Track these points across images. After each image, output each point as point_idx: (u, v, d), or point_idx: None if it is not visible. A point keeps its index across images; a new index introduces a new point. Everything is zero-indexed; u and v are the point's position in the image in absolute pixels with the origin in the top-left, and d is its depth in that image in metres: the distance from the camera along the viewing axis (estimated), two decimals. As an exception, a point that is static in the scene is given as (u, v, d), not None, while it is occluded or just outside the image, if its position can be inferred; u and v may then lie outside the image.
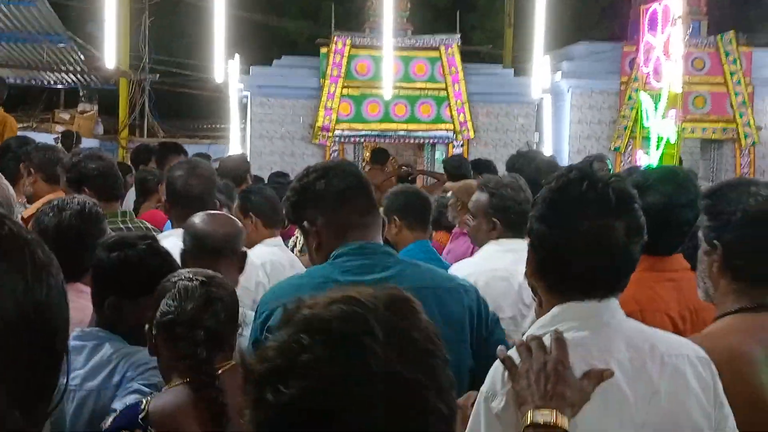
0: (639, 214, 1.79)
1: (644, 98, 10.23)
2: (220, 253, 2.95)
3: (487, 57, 17.41)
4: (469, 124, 13.04)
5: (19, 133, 7.71)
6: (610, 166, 6.19)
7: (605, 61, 13.33)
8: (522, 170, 4.31)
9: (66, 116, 16.33)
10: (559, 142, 13.46)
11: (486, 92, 13.17)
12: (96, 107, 16.73)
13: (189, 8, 16.73)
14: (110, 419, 2.17)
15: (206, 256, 2.87)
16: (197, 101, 18.09)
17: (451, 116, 13.00)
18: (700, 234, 2.21)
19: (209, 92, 16.23)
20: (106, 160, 4.14)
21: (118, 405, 2.25)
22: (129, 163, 8.69)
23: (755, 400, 1.84)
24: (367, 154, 13.13)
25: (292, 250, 5.09)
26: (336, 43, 12.75)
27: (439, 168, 11.47)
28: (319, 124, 12.79)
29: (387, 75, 12.24)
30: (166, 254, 2.60)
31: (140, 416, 2.09)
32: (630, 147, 12.56)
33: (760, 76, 13.09)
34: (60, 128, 14.75)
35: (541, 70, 12.64)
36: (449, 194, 5.18)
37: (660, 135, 9.56)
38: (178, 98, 17.73)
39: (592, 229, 1.74)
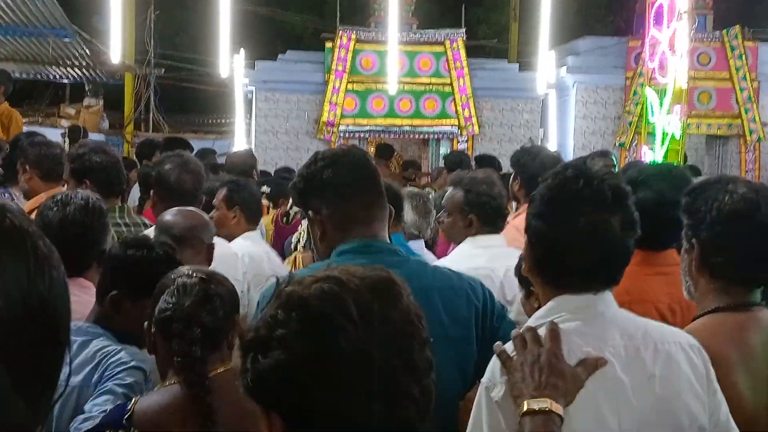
0: (633, 209, 1.84)
1: (649, 93, 10.18)
2: (183, 241, 3.09)
3: (493, 52, 17.42)
4: (474, 120, 13.04)
5: (24, 128, 7.72)
6: (614, 162, 6.16)
7: (610, 56, 13.31)
8: (527, 165, 4.27)
9: (71, 111, 16.37)
10: (564, 138, 13.45)
11: (491, 87, 13.16)
12: (101, 102, 16.75)
13: (194, 3, 16.74)
14: (80, 421, 2.15)
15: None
16: (202, 96, 18.12)
17: (456, 111, 12.99)
18: (683, 233, 2.23)
19: (214, 87, 16.26)
20: (111, 155, 4.09)
21: (88, 406, 2.23)
22: (134, 157, 8.70)
23: (729, 401, 1.85)
24: (372, 149, 13.13)
25: (296, 247, 5.11)
26: (341, 38, 12.75)
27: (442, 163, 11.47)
28: (324, 119, 12.80)
29: (392, 70, 12.24)
30: (179, 264, 2.58)
31: (126, 416, 2.08)
32: (635, 142, 12.54)
33: (766, 72, 13.06)
34: (65, 123, 14.80)
35: (547, 65, 12.63)
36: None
37: (665, 131, 9.53)
38: (183, 93, 17.75)
39: (588, 224, 1.79)
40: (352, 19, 14.32)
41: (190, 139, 9.13)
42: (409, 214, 4.28)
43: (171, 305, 2.16)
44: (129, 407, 2.11)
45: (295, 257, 5.03)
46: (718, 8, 13.71)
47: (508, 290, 3.29)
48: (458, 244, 3.67)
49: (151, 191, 3.97)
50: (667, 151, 9.49)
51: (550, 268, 1.85)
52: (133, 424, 2.07)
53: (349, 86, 12.81)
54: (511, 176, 4.38)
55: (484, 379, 1.79)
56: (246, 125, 13.61)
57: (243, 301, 3.00)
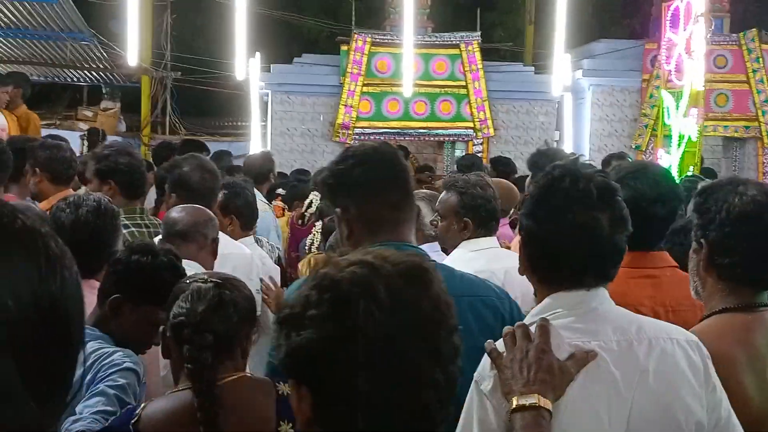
0: (621, 206, 1.87)
1: (666, 96, 10.13)
2: (187, 235, 3.24)
3: (508, 55, 17.36)
4: (489, 122, 13.01)
5: (42, 131, 7.76)
6: (630, 165, 6.13)
7: (626, 58, 13.26)
8: (544, 167, 4.25)
9: (89, 113, 16.44)
10: (580, 140, 13.40)
11: (506, 90, 13.14)
12: (118, 104, 16.82)
13: (210, 6, 16.78)
14: (70, 422, 2.13)
15: (176, 240, 3.18)
16: (218, 99, 18.15)
17: (471, 114, 12.98)
18: (692, 233, 2.24)
19: (230, 90, 16.28)
20: (136, 158, 4.15)
21: (79, 407, 2.21)
22: (150, 160, 8.74)
23: (736, 402, 1.85)
24: (387, 151, 13.11)
25: (309, 249, 5.12)
26: (356, 41, 12.77)
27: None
28: (339, 121, 12.81)
29: (407, 72, 12.24)
30: (184, 273, 2.59)
31: (132, 421, 2.07)
32: (651, 145, 12.48)
33: (783, 74, 12.98)
34: (83, 125, 14.87)
35: (562, 68, 12.59)
36: None
37: (681, 133, 9.47)
38: (199, 96, 17.79)
39: (577, 221, 1.82)
40: (368, 23, 14.34)
41: (206, 141, 9.15)
42: (428, 216, 4.26)
43: (184, 310, 2.14)
44: (137, 412, 2.09)
45: (309, 259, 5.06)
46: (734, 11, 13.62)
47: (509, 291, 3.27)
48: (452, 248, 3.60)
49: (170, 193, 3.97)
50: (683, 153, 9.44)
51: (543, 266, 1.89)
52: (139, 429, 2.06)
53: (365, 89, 12.83)
54: (527, 178, 4.37)
55: (475, 374, 1.81)
56: (262, 128, 13.64)
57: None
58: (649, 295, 2.47)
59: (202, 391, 2.05)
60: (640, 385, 1.75)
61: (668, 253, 2.68)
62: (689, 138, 9.41)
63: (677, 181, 2.76)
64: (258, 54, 13.13)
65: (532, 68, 13.98)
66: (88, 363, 2.37)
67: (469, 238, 3.53)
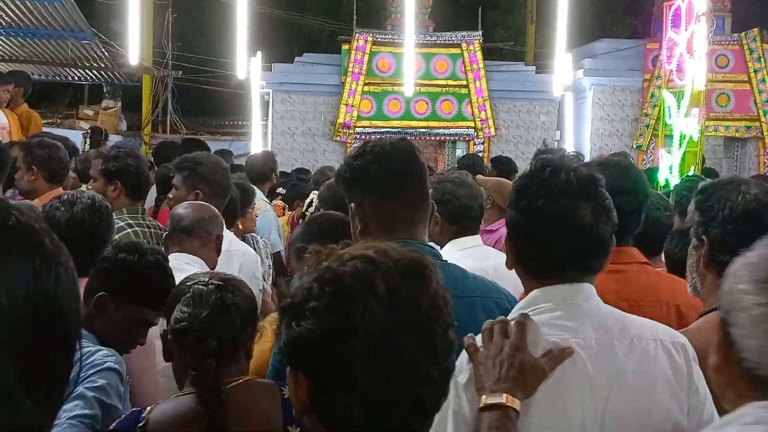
0: (605, 196, 1.86)
1: (667, 96, 10.12)
2: (191, 231, 3.31)
3: (509, 54, 17.37)
4: (491, 122, 13.01)
5: (43, 129, 7.76)
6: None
7: (628, 58, 13.26)
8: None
9: (90, 112, 16.43)
10: (581, 140, 13.40)
11: (507, 89, 13.14)
12: (119, 103, 16.81)
13: (211, 5, 16.79)
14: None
15: (181, 235, 3.30)
16: (219, 98, 18.14)
17: (473, 113, 12.97)
18: (692, 230, 2.25)
19: (231, 89, 16.28)
20: (142, 160, 4.22)
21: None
22: (151, 159, 8.73)
23: None
24: (388, 151, 13.13)
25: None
26: (357, 41, 12.76)
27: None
28: (340, 120, 12.81)
29: (408, 72, 12.24)
30: (171, 272, 2.59)
31: (140, 425, 2.03)
32: (652, 145, 12.49)
33: (785, 74, 12.98)
34: (84, 124, 14.85)
35: (563, 68, 12.59)
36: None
37: (683, 133, 9.46)
38: (200, 95, 17.78)
39: (558, 210, 1.81)
40: (369, 22, 14.32)
41: (207, 140, 9.13)
42: None
43: (187, 315, 2.10)
44: (144, 415, 2.06)
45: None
46: (736, 11, 13.62)
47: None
48: (440, 246, 3.56)
49: (196, 191, 3.90)
50: (684, 153, 9.43)
51: (527, 257, 1.88)
52: None
53: (366, 88, 12.83)
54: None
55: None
56: (263, 127, 13.64)
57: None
58: (613, 290, 2.45)
59: (207, 398, 2.02)
60: (616, 384, 1.74)
61: (675, 254, 2.67)
62: (690, 138, 9.40)
63: (643, 175, 2.75)
64: (259, 53, 13.13)
65: (534, 68, 13.98)
66: None
67: (452, 238, 3.50)
